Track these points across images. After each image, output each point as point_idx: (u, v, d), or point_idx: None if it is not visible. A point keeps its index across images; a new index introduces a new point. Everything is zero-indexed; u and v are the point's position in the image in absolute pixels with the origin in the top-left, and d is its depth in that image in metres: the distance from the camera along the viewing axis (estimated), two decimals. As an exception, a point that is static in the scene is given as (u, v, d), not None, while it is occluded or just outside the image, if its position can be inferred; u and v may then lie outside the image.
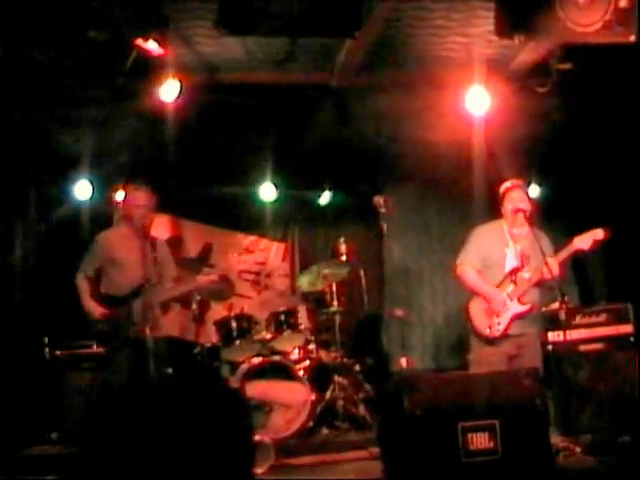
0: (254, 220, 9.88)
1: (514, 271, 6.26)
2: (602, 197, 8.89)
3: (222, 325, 7.76)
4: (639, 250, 8.38)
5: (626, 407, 6.77)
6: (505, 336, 6.17)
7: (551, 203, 9.63)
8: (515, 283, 6.24)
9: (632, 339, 7.37)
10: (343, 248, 8.19)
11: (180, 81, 6.64)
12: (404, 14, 6.26)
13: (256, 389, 7.08)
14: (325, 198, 9.87)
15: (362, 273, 8.54)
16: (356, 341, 8.76)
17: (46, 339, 7.76)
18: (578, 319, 7.43)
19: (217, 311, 8.49)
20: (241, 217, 9.87)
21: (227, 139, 8.38)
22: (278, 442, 6.50)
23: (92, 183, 8.67)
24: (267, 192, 9.46)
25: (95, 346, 7.53)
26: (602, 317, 7.47)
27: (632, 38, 5.26)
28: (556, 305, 6.70)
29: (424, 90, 7.51)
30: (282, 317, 7.70)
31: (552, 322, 7.13)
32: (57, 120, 7.72)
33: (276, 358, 7.43)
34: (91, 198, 8.73)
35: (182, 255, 9.25)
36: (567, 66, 6.75)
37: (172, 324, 8.05)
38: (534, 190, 9.50)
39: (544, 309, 6.91)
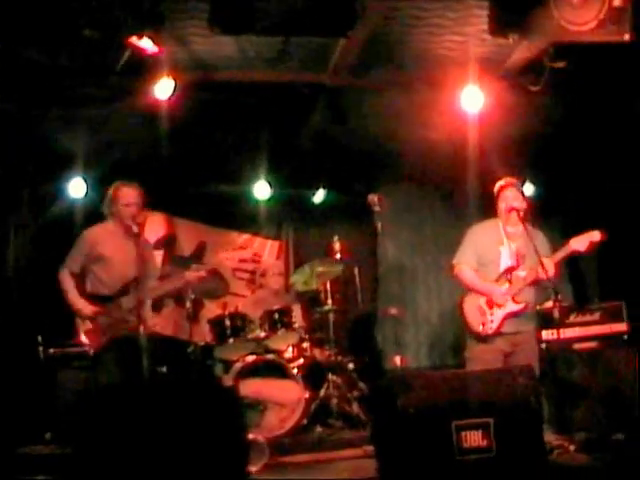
0: (248, 219, 9.87)
1: (509, 270, 6.28)
2: (596, 196, 8.91)
3: (216, 324, 7.76)
4: (632, 249, 8.39)
5: (620, 405, 6.79)
6: (498, 334, 6.19)
7: (546, 201, 9.65)
8: (510, 282, 6.25)
9: (626, 337, 7.38)
10: (337, 247, 8.20)
11: (174, 79, 6.64)
12: (398, 13, 6.26)
13: (250, 388, 7.08)
14: (319, 197, 9.87)
15: (356, 272, 8.55)
16: (350, 339, 8.77)
17: (40, 338, 7.74)
18: (572, 318, 7.44)
19: (211, 310, 8.49)
20: (235, 216, 9.87)
21: (221, 137, 8.37)
22: (272, 440, 6.51)
23: (86, 181, 8.65)
24: (261, 191, 9.45)
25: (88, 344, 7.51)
26: (596, 316, 7.48)
27: (626, 37, 5.27)
28: (550, 304, 6.71)
29: (419, 89, 7.52)
30: (276, 316, 7.70)
31: (546, 320, 7.14)
32: (51, 118, 7.70)
33: (270, 356, 7.43)
34: (85, 196, 8.72)
35: (176, 253, 9.25)
36: (561, 64, 6.75)
37: (166, 322, 8.07)
38: (528, 189, 9.52)
39: (538, 307, 6.92)
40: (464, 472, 4.88)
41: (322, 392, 7.60)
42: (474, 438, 4.94)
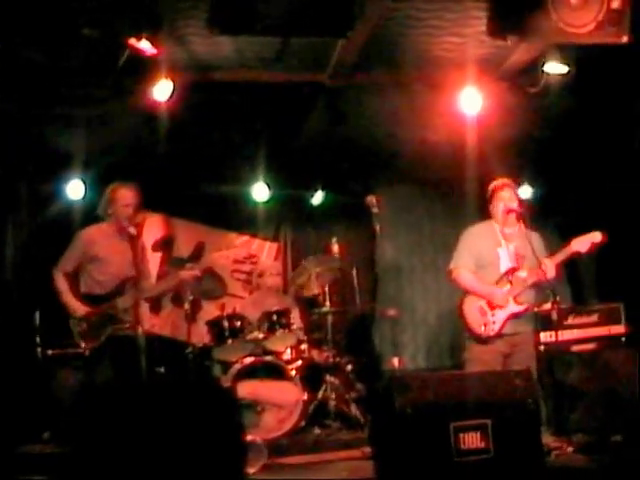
0: (247, 220, 9.87)
1: (510, 271, 6.27)
2: (595, 197, 8.91)
3: (214, 325, 7.75)
4: (630, 250, 8.39)
5: (618, 406, 6.79)
6: (499, 335, 6.18)
7: (544, 203, 9.67)
8: (511, 283, 6.25)
9: (624, 339, 7.39)
10: (335, 248, 8.20)
11: (173, 80, 6.64)
12: (397, 14, 6.26)
13: (248, 389, 7.07)
14: (318, 198, 9.87)
15: (354, 273, 8.55)
16: (348, 341, 8.77)
17: (38, 338, 7.73)
18: (570, 319, 7.44)
19: (209, 311, 8.48)
20: (234, 217, 9.87)
21: (220, 138, 8.37)
22: (270, 442, 6.50)
23: (85, 182, 8.65)
24: (260, 192, 9.45)
25: (83, 344, 7.51)
26: (594, 317, 7.48)
27: (624, 39, 5.27)
28: (548, 306, 6.72)
29: (417, 90, 7.51)
30: (274, 317, 7.69)
31: (544, 322, 7.14)
32: (50, 118, 7.70)
33: (268, 358, 7.42)
34: (84, 197, 8.71)
35: (174, 254, 9.25)
36: (559, 66, 6.75)
37: (164, 323, 8.07)
38: (527, 190, 9.53)
39: (536, 309, 6.93)
40: (462, 473, 4.88)
41: (320, 393, 7.60)
42: (472, 439, 4.94)
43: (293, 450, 6.75)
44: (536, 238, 6.37)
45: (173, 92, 6.68)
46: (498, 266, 6.29)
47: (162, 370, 7.39)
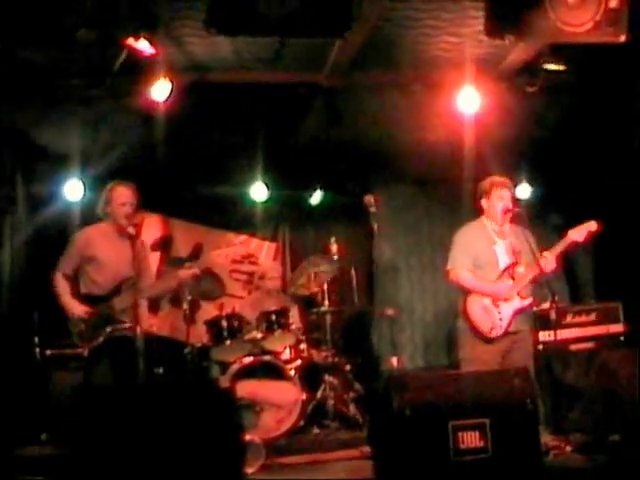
0: (245, 220, 9.87)
1: (510, 267, 6.27)
2: (593, 196, 8.91)
3: (213, 325, 7.75)
4: (629, 249, 8.40)
5: (616, 406, 6.80)
6: (505, 334, 6.18)
7: (543, 202, 9.68)
8: (513, 278, 6.24)
9: (622, 338, 7.40)
10: (334, 248, 8.20)
11: (171, 81, 6.64)
12: (394, 14, 6.26)
13: (246, 389, 7.07)
14: (316, 198, 9.87)
15: (353, 272, 8.55)
16: (347, 340, 8.76)
17: (36, 339, 7.74)
18: (569, 319, 7.45)
19: (208, 311, 8.49)
20: (232, 217, 9.87)
21: (218, 138, 8.37)
22: (269, 442, 6.51)
23: (84, 183, 8.65)
24: (258, 192, 9.45)
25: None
26: (592, 316, 7.50)
27: (622, 38, 5.28)
28: (547, 305, 6.72)
29: (415, 90, 7.52)
30: (273, 317, 7.68)
31: (543, 321, 7.15)
32: (48, 119, 7.70)
33: (267, 358, 7.42)
34: (82, 198, 8.71)
35: (173, 255, 9.25)
36: (557, 66, 6.76)
37: (162, 323, 8.08)
38: (525, 190, 9.54)
39: (535, 308, 6.93)
40: (460, 473, 4.88)
41: (319, 393, 7.61)
42: (470, 439, 4.94)
43: (292, 450, 6.75)
44: (528, 234, 6.36)
45: (171, 92, 6.68)
46: (497, 264, 6.28)
47: (161, 370, 7.39)
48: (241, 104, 7.58)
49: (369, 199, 7.66)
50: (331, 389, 7.63)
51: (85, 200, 8.72)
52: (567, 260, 6.49)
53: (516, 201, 6.47)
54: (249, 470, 5.67)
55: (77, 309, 6.15)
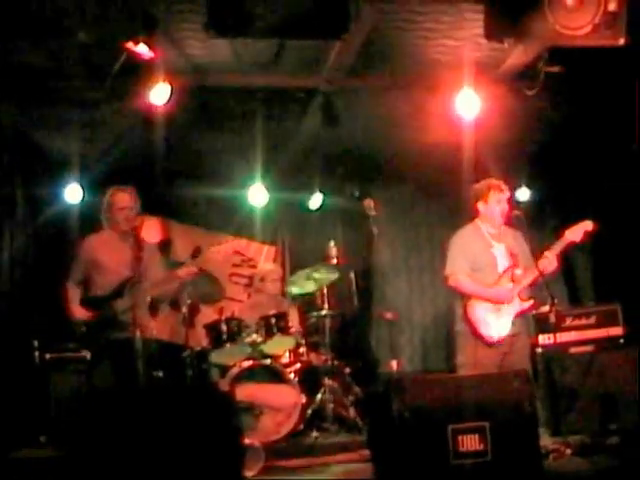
0: (244, 223, 9.86)
1: (509, 269, 6.27)
2: (592, 199, 8.91)
3: (212, 328, 7.74)
4: (627, 251, 8.40)
5: (615, 408, 6.80)
6: (506, 338, 6.17)
7: (542, 205, 9.68)
8: (513, 280, 6.24)
9: (622, 341, 7.39)
10: (333, 251, 8.20)
11: (170, 84, 6.64)
12: (393, 17, 6.27)
13: (246, 392, 7.06)
14: (315, 201, 9.86)
15: (352, 276, 8.55)
16: (346, 343, 8.76)
17: (35, 342, 7.73)
18: (568, 321, 7.45)
19: (207, 314, 8.47)
20: (231, 220, 9.86)
21: (216, 142, 8.38)
22: (268, 445, 6.50)
23: (82, 186, 8.65)
24: (257, 195, 9.43)
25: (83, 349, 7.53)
26: (592, 319, 7.49)
27: (621, 41, 5.28)
28: (546, 308, 6.72)
29: (414, 92, 7.53)
30: (272, 320, 7.67)
31: (542, 325, 7.15)
32: (47, 122, 7.70)
33: (266, 361, 7.41)
34: (82, 201, 8.72)
35: (172, 258, 9.24)
36: (556, 69, 6.77)
37: (161, 327, 8.06)
38: (525, 193, 9.54)
39: (534, 312, 6.93)
40: (460, 476, 4.89)
41: (318, 396, 7.60)
42: (470, 442, 4.94)
43: (291, 453, 6.75)
44: (521, 236, 6.37)
45: (170, 95, 6.68)
46: (495, 266, 6.28)
47: (160, 374, 7.39)
48: (240, 107, 7.58)
49: (368, 202, 7.67)
50: (330, 392, 7.62)
51: (84, 202, 8.73)
52: (566, 262, 6.50)
53: (514, 203, 6.47)
54: (248, 473, 5.67)
55: (79, 313, 6.19)
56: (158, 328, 6.67)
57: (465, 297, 6.30)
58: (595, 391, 6.97)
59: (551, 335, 7.09)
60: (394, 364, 8.87)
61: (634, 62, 6.43)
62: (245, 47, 6.50)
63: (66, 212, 8.75)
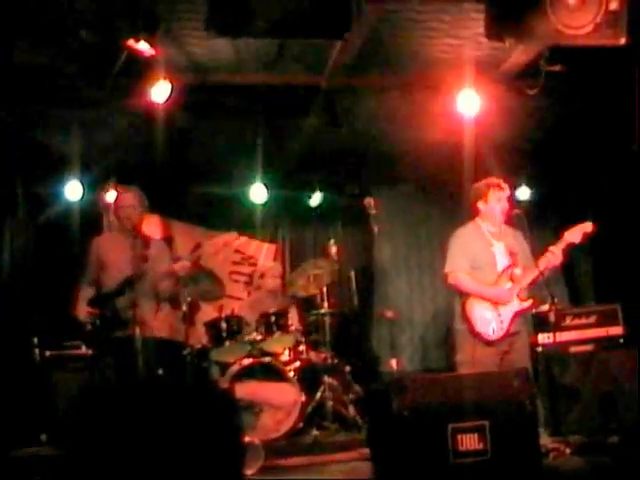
0: (244, 221, 9.86)
1: (508, 268, 6.27)
2: (592, 198, 8.92)
3: (212, 326, 7.75)
4: (627, 251, 8.40)
5: (615, 408, 6.80)
6: (507, 336, 6.17)
7: (542, 204, 9.68)
8: (512, 280, 6.24)
9: (621, 340, 7.40)
10: (333, 249, 8.19)
11: (170, 82, 6.65)
12: (395, 15, 6.27)
13: (246, 390, 7.07)
14: (315, 199, 9.86)
15: (352, 274, 8.55)
16: (346, 342, 8.76)
17: (35, 340, 7.73)
18: (568, 321, 7.44)
19: (207, 312, 8.48)
20: (231, 218, 9.86)
21: (217, 140, 8.37)
22: (268, 443, 6.50)
23: (83, 184, 8.65)
24: (257, 193, 9.44)
25: (84, 347, 7.53)
26: (592, 319, 7.49)
27: (622, 41, 5.27)
28: (546, 307, 6.72)
29: (415, 91, 7.53)
30: (272, 318, 7.68)
31: (542, 324, 7.15)
32: (47, 120, 7.70)
33: (266, 359, 7.42)
34: (82, 199, 8.72)
35: (172, 256, 9.24)
36: (557, 68, 6.77)
37: (161, 325, 8.05)
38: (525, 192, 9.54)
39: (534, 311, 6.93)
40: (459, 475, 4.89)
41: (318, 395, 7.60)
42: (470, 441, 4.95)
43: (291, 451, 6.74)
44: (521, 236, 6.37)
45: (171, 93, 6.69)
46: (495, 265, 6.29)
47: (160, 371, 7.39)
48: (241, 105, 7.58)
49: (368, 201, 7.67)
50: (330, 391, 7.62)
51: (85, 201, 8.74)
52: (566, 262, 6.48)
53: (514, 202, 6.48)
54: (248, 471, 5.67)
55: (82, 312, 6.24)
56: (158, 326, 6.67)
57: (464, 295, 6.31)
58: (595, 390, 6.98)
59: (551, 334, 7.08)
60: (394, 363, 8.87)
61: (635, 62, 6.43)
62: (246, 46, 6.51)
63: (66, 210, 8.76)
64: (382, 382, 8.12)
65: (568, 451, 5.98)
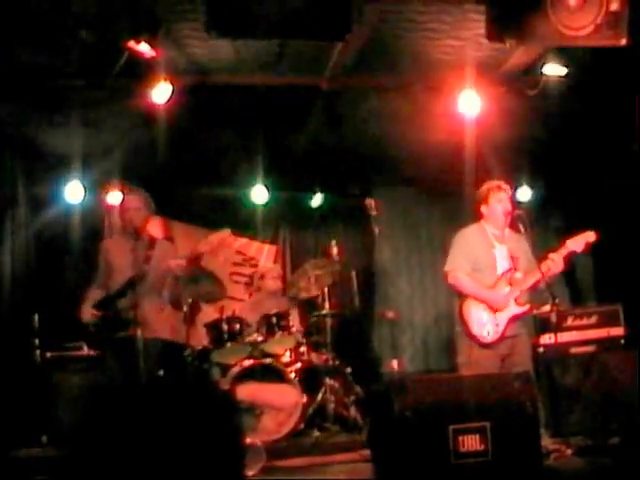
0: (245, 222, 9.85)
1: (508, 272, 6.27)
2: (593, 199, 8.92)
3: (213, 327, 7.75)
4: (629, 251, 8.39)
5: (616, 409, 6.80)
6: (502, 339, 6.17)
7: (543, 205, 9.68)
8: (511, 284, 6.24)
9: (623, 341, 7.39)
10: (334, 250, 8.19)
11: (171, 83, 6.65)
12: (395, 17, 6.27)
13: (247, 391, 7.07)
14: (316, 200, 9.87)
15: (353, 275, 8.55)
16: (347, 343, 8.75)
17: (36, 341, 7.73)
18: (569, 322, 7.43)
19: (208, 313, 8.48)
20: (232, 219, 9.84)
21: (218, 141, 8.37)
22: (269, 444, 6.49)
23: (84, 185, 8.66)
24: (258, 194, 9.44)
25: (86, 348, 7.53)
26: (593, 319, 7.47)
27: (623, 41, 5.28)
28: (547, 308, 6.72)
29: (416, 93, 7.53)
30: (273, 319, 7.68)
31: (543, 325, 7.15)
32: (48, 121, 7.71)
33: (267, 361, 7.42)
34: (83, 200, 8.73)
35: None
36: (558, 68, 6.77)
37: (163, 326, 8.06)
38: (526, 193, 9.54)
39: (535, 312, 6.93)
40: (461, 476, 4.88)
41: (319, 396, 7.59)
42: (471, 442, 4.94)
43: (292, 453, 6.74)
44: (524, 240, 6.37)
45: (172, 95, 6.69)
46: (495, 268, 6.29)
47: (161, 373, 7.39)
48: (241, 106, 7.58)
49: (369, 202, 7.67)
50: (331, 392, 7.62)
51: (85, 202, 8.74)
52: (569, 261, 6.48)
53: (516, 203, 6.48)
54: (249, 473, 5.67)
55: (85, 314, 6.24)
56: (160, 327, 6.67)
57: (462, 296, 6.32)
58: (596, 391, 6.97)
59: (552, 335, 7.07)
60: (395, 364, 8.87)
61: (636, 62, 6.43)
62: (247, 47, 6.51)
63: (67, 211, 8.76)
64: (383, 383, 8.10)
65: (569, 452, 5.98)
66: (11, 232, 8.55)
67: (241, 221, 9.82)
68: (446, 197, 9.79)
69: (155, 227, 8.89)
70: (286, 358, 7.70)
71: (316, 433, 7.33)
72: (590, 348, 7.31)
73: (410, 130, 8.07)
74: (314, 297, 8.37)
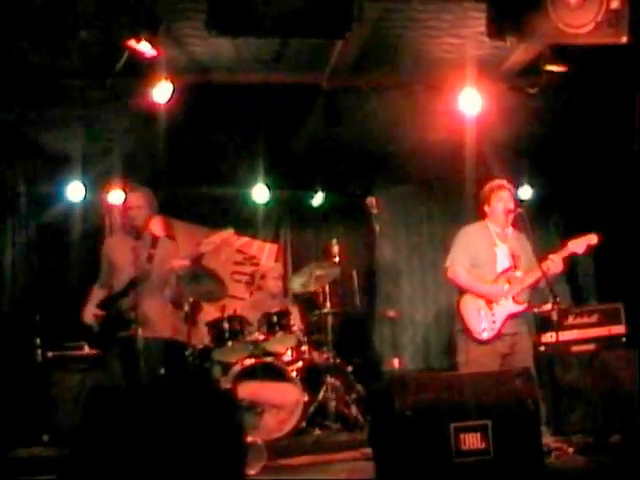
0: (246, 221, 9.85)
1: (507, 270, 6.27)
2: (594, 197, 8.92)
3: (214, 326, 7.75)
4: (630, 250, 8.39)
5: (617, 407, 6.80)
6: (499, 336, 6.17)
7: (544, 203, 9.67)
8: (510, 282, 6.24)
9: (624, 340, 7.39)
10: (335, 249, 8.19)
11: (172, 82, 6.65)
12: (396, 15, 6.27)
13: (248, 390, 7.08)
14: (317, 199, 9.87)
15: (354, 274, 8.55)
16: (348, 342, 8.76)
17: (38, 340, 7.74)
18: (570, 320, 7.43)
19: (209, 312, 8.48)
20: (233, 218, 9.84)
21: (219, 140, 8.37)
22: (270, 443, 6.49)
23: (85, 184, 8.66)
24: (259, 193, 9.44)
25: (87, 347, 7.54)
26: (594, 318, 7.47)
27: (623, 39, 5.28)
28: (548, 306, 6.72)
29: (416, 91, 7.52)
30: (274, 318, 7.69)
31: (544, 323, 7.15)
32: (49, 120, 7.70)
33: (268, 359, 7.42)
34: (84, 199, 8.73)
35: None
36: (558, 67, 6.76)
37: (165, 325, 8.07)
38: (527, 191, 9.53)
39: (536, 310, 6.92)
40: (462, 474, 4.87)
41: (320, 395, 7.59)
42: (472, 440, 4.93)
43: (293, 451, 6.74)
44: (525, 240, 6.37)
45: (172, 93, 6.69)
46: (495, 265, 6.29)
47: (162, 372, 7.40)
48: (242, 105, 7.58)
49: (370, 200, 7.67)
50: (332, 390, 7.62)
51: (86, 201, 8.74)
52: (568, 261, 6.48)
53: (517, 202, 6.48)
54: (251, 471, 5.66)
55: (88, 315, 6.24)
56: (162, 326, 6.67)
57: (460, 292, 6.33)
58: (597, 389, 6.97)
59: (553, 333, 7.06)
60: (396, 362, 8.87)
61: (636, 60, 6.43)
62: (247, 45, 6.51)
63: (68, 210, 8.76)
64: (384, 381, 8.10)
65: (570, 450, 5.98)
66: (12, 231, 8.56)
67: (242, 220, 9.81)
68: (447, 195, 9.79)
69: (157, 225, 8.90)
70: (287, 357, 7.70)
71: (317, 431, 7.34)
72: (591, 346, 7.32)
73: (411, 128, 8.07)
74: (315, 296, 8.37)
